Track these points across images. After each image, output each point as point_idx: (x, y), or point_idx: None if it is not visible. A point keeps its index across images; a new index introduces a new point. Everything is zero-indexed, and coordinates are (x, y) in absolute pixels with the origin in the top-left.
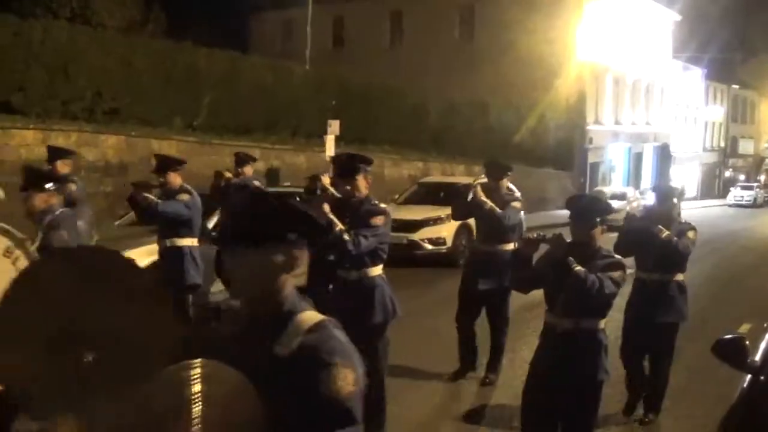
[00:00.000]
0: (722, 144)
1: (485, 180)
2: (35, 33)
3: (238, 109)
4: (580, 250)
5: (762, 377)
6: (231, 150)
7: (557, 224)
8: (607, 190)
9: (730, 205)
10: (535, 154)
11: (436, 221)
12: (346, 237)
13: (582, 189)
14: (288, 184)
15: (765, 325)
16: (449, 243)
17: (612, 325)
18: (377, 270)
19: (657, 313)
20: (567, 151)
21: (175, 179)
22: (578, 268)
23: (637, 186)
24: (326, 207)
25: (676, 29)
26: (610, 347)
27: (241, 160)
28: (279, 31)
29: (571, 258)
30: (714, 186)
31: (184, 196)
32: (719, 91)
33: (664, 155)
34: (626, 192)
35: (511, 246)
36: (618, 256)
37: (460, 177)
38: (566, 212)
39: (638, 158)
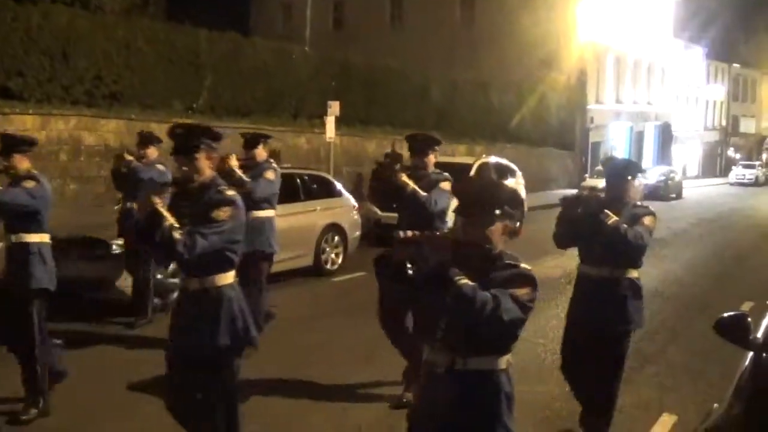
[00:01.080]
0: (723, 123)
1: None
2: (34, 17)
3: (238, 91)
4: (470, 255)
5: (764, 354)
6: (232, 132)
7: (559, 204)
8: None
9: (731, 184)
10: (537, 134)
11: None
12: (176, 236)
13: (584, 168)
14: (288, 165)
15: (767, 302)
16: (450, 224)
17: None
18: (226, 278)
19: (604, 317)
20: (568, 131)
21: (21, 163)
22: (463, 281)
23: None
24: (156, 198)
25: (677, 8)
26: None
27: (144, 139)
28: (279, 13)
29: (455, 269)
30: (716, 165)
31: (29, 183)
32: (720, 70)
33: (665, 134)
34: None
35: None
36: (526, 267)
37: (461, 157)
38: (570, 192)
39: (639, 137)
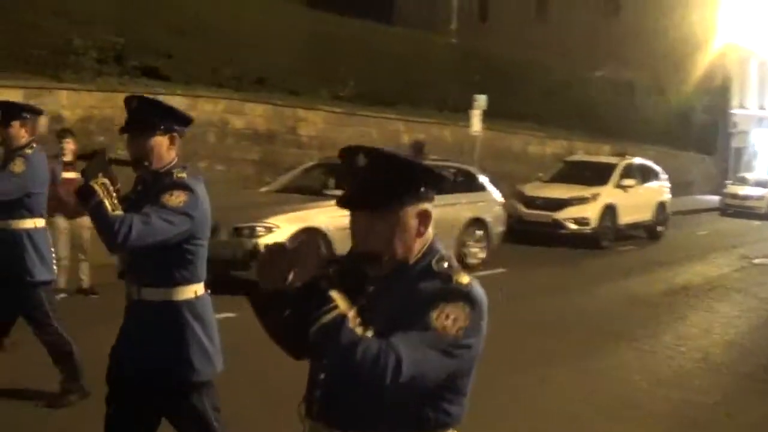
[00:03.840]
0: None
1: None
2: (184, 1)
3: (383, 80)
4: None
5: None
6: (376, 122)
7: (700, 209)
8: (750, 176)
9: None
10: (678, 137)
11: (581, 201)
12: None
13: (724, 174)
14: (435, 157)
15: None
16: (593, 224)
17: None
18: None
19: None
20: (710, 135)
21: (19, 133)
22: (332, 313)
23: None
24: None
25: None
26: None
27: None
28: (424, 2)
29: (328, 289)
30: None
31: (17, 165)
32: None
33: None
34: None
35: None
36: (461, 276)
37: (605, 157)
38: (711, 198)
39: None
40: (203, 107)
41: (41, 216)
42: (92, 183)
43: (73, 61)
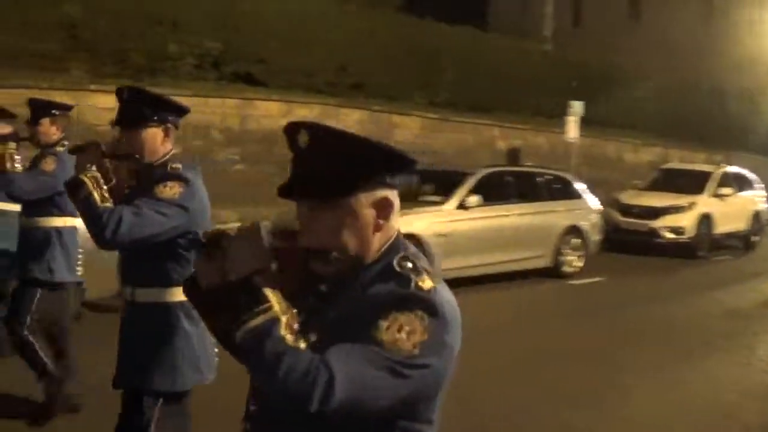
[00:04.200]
0: None
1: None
2: (274, 5)
3: (477, 87)
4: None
5: None
6: (471, 128)
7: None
8: None
9: None
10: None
11: (678, 210)
12: None
13: None
14: (530, 164)
15: None
16: (690, 233)
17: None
18: None
19: None
20: None
21: (49, 131)
22: (259, 318)
23: None
24: None
25: None
26: None
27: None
28: (517, 7)
29: (263, 288)
30: None
31: (48, 164)
32: None
33: None
34: None
35: None
36: (423, 280)
37: (699, 165)
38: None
39: None
40: (298, 112)
41: (72, 215)
42: (81, 175)
43: (170, 66)
